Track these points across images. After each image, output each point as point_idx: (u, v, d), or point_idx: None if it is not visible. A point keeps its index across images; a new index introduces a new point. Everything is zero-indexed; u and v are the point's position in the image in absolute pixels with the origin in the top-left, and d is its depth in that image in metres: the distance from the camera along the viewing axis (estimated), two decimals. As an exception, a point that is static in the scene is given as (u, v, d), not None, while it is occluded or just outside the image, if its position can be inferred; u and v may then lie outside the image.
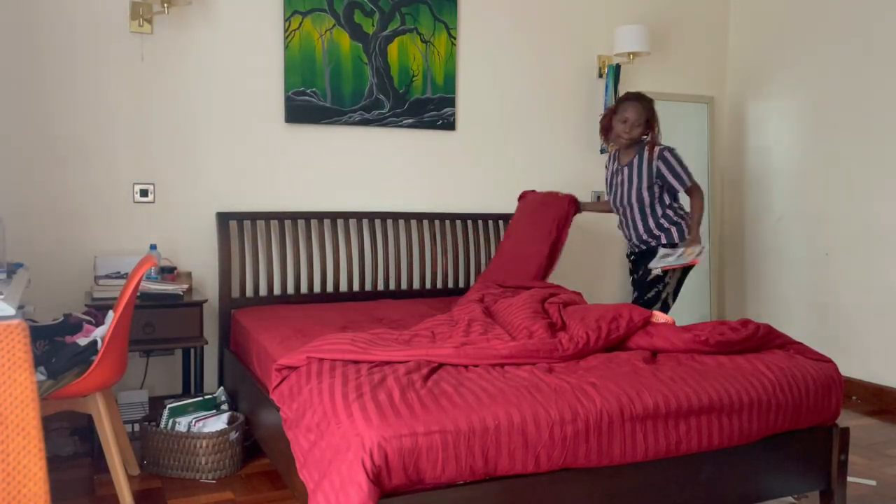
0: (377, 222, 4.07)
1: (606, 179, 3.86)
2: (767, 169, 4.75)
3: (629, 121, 3.60)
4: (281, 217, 3.84)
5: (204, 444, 2.95)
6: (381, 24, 4.06)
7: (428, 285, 4.18)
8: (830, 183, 4.36)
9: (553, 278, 4.57)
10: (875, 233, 4.12)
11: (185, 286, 3.44)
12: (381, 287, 4.08)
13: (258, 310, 3.57)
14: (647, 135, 3.63)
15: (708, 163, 5.00)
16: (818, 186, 4.42)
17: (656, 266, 3.53)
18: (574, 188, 4.59)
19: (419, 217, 4.14)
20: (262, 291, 3.81)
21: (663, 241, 3.62)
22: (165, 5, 3.45)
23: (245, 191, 3.85)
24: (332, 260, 3.96)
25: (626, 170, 3.69)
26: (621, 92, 4.61)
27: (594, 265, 4.70)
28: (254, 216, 3.78)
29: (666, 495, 2.25)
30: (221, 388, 3.38)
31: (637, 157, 3.65)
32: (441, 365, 2.36)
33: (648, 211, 3.64)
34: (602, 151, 4.62)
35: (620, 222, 3.81)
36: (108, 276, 3.37)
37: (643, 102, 3.62)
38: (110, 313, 2.75)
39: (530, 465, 2.05)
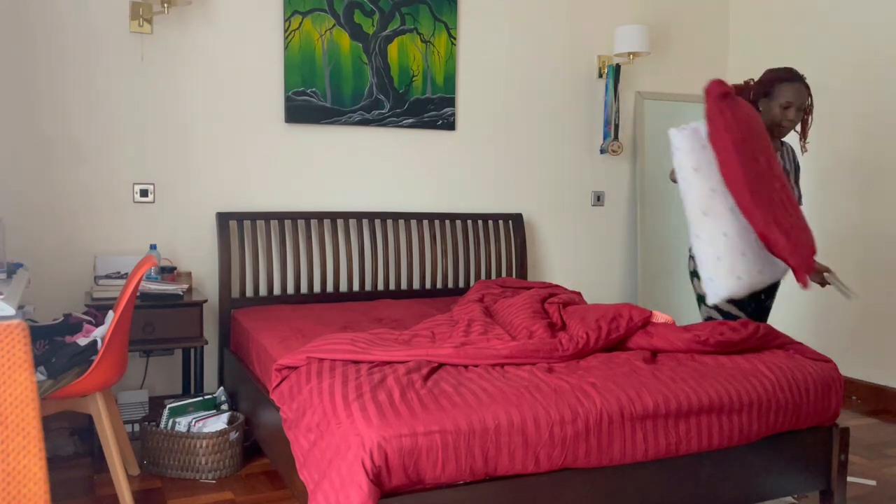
0: (377, 222, 4.07)
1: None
2: (767, 169, 4.75)
3: (794, 105, 2.81)
4: (281, 217, 3.84)
5: (204, 444, 2.95)
6: (381, 24, 4.06)
7: (428, 285, 4.18)
8: (830, 183, 4.36)
9: (552, 278, 4.58)
10: (874, 233, 4.12)
11: (185, 286, 3.44)
12: (380, 287, 4.08)
13: (258, 310, 3.57)
14: None
15: (708, 163, 5.00)
16: (817, 187, 4.42)
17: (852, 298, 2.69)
18: (573, 188, 4.60)
19: (419, 217, 4.14)
20: (262, 291, 3.81)
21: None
22: (165, 5, 3.45)
23: (245, 191, 3.85)
24: (331, 260, 3.96)
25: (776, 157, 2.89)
26: (621, 92, 4.61)
27: (595, 264, 4.70)
28: (254, 216, 3.78)
29: (666, 495, 2.25)
30: (221, 388, 3.38)
31: (783, 147, 3.01)
32: (441, 365, 2.36)
33: None
34: (602, 151, 4.61)
35: None
36: (108, 276, 3.37)
37: (807, 84, 2.85)
38: (110, 313, 2.75)
39: (530, 465, 2.05)
